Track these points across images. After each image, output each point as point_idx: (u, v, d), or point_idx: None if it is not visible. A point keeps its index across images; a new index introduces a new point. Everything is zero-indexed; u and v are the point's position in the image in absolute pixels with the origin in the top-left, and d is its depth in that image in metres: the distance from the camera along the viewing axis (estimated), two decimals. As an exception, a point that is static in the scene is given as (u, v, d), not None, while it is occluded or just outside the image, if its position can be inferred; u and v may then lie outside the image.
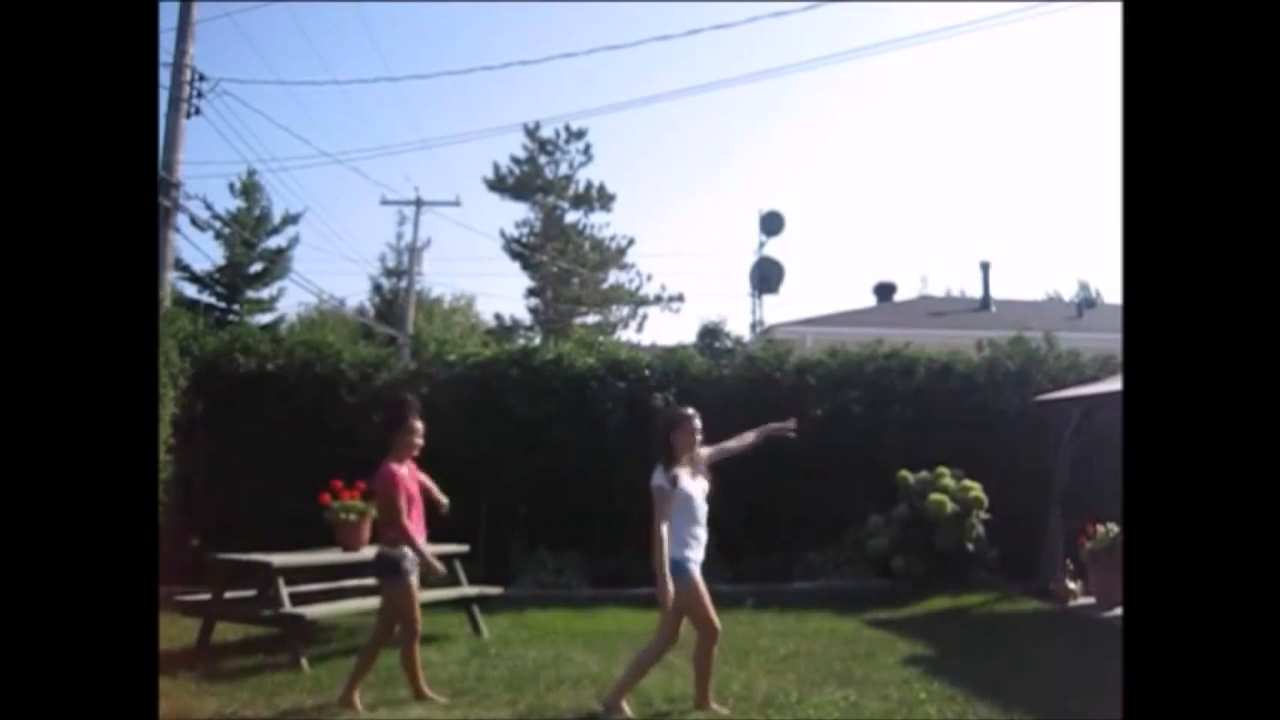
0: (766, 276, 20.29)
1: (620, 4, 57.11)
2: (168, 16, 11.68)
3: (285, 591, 6.07)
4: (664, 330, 64.23)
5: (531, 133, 30.40)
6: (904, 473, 9.48)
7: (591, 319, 31.25)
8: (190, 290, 21.37)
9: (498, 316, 31.82)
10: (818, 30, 62.38)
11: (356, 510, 6.64)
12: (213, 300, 21.92)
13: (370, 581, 7.59)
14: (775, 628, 7.48)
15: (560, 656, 6.32)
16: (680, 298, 31.69)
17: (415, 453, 5.23)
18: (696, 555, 4.81)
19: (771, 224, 20.55)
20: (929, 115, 66.81)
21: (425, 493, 5.32)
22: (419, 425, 5.21)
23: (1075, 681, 5.62)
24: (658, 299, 31.59)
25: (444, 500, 5.48)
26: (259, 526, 8.06)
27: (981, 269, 24.41)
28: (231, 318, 20.73)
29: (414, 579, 5.06)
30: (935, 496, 9.19)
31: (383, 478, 5.05)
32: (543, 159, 31.08)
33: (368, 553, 6.81)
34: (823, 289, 66.23)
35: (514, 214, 36.71)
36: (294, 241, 23.41)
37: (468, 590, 7.28)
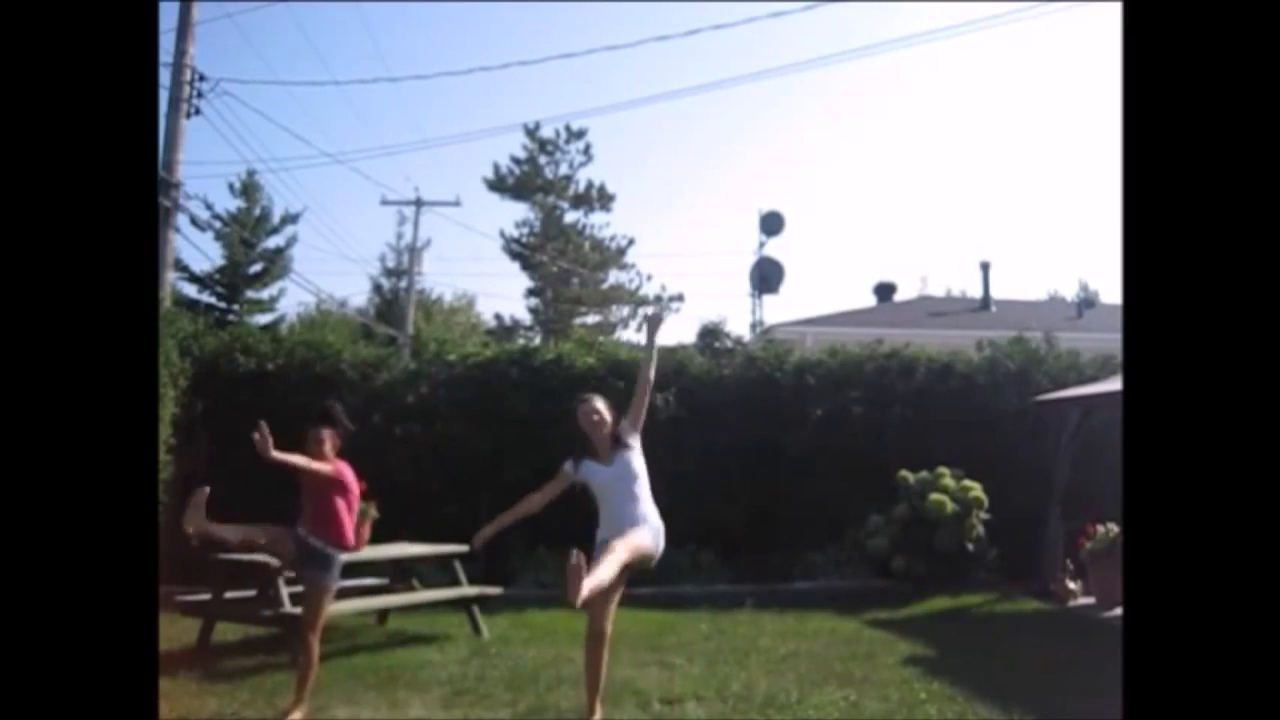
0: (766, 276, 20.29)
1: (620, 4, 57.13)
2: (168, 16, 11.69)
3: (285, 591, 6.07)
4: (664, 330, 64.09)
5: (531, 133, 30.42)
6: (904, 473, 9.48)
7: (591, 319, 31.25)
8: (190, 290, 21.38)
9: (498, 316, 31.86)
10: (817, 30, 62.36)
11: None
12: (213, 300, 21.92)
13: (370, 581, 7.63)
14: (775, 628, 7.48)
15: (560, 656, 6.32)
16: (680, 298, 31.71)
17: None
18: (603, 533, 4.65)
19: (771, 224, 20.56)
20: (929, 115, 66.83)
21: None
22: (319, 434, 5.20)
23: (1075, 681, 5.62)
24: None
25: None
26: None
27: (981, 269, 24.42)
28: (231, 318, 20.72)
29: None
30: (935, 496, 9.19)
31: (348, 475, 5.12)
32: (543, 159, 31.08)
33: (367, 553, 6.82)
34: (823, 289, 66.21)
35: (514, 214, 36.76)
36: (293, 241, 23.43)
37: (468, 590, 7.29)
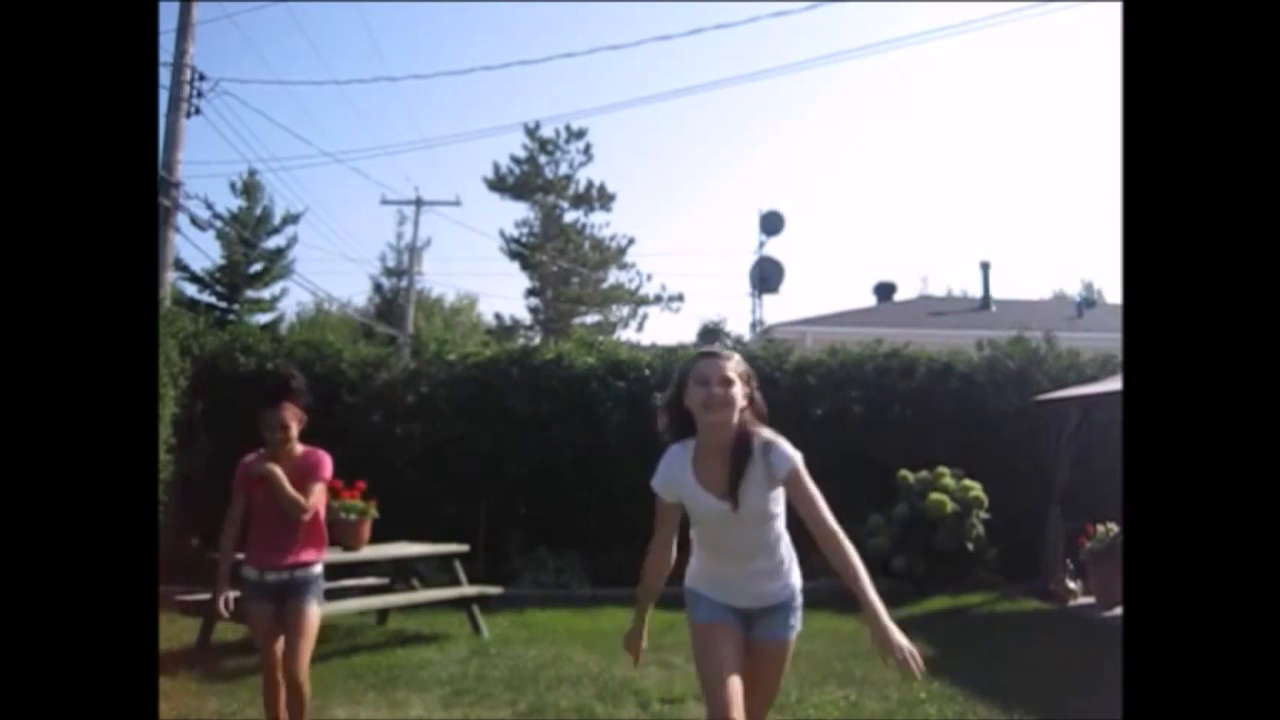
0: (766, 276, 20.28)
1: (620, 4, 57.15)
2: (168, 16, 11.69)
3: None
4: (664, 330, 64.32)
5: (531, 133, 30.40)
6: (904, 473, 9.48)
7: (591, 319, 31.23)
8: (190, 290, 21.38)
9: (498, 316, 31.86)
10: (818, 30, 62.39)
11: (356, 510, 6.65)
12: (213, 300, 21.92)
13: (370, 581, 7.64)
14: (775, 627, 7.46)
15: (560, 656, 6.33)
16: (680, 298, 31.66)
17: (273, 450, 4.20)
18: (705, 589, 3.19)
19: (771, 224, 20.55)
20: (929, 115, 66.86)
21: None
22: (273, 418, 4.14)
23: (1075, 681, 5.62)
24: (658, 299, 31.56)
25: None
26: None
27: (981, 269, 24.43)
28: (231, 318, 20.72)
29: (253, 604, 4.24)
30: (935, 496, 9.19)
31: (325, 468, 4.22)
32: (543, 159, 31.05)
33: (367, 553, 6.82)
34: (823, 289, 66.27)
35: (514, 214, 36.76)
36: (293, 241, 23.45)
37: (468, 590, 7.29)
